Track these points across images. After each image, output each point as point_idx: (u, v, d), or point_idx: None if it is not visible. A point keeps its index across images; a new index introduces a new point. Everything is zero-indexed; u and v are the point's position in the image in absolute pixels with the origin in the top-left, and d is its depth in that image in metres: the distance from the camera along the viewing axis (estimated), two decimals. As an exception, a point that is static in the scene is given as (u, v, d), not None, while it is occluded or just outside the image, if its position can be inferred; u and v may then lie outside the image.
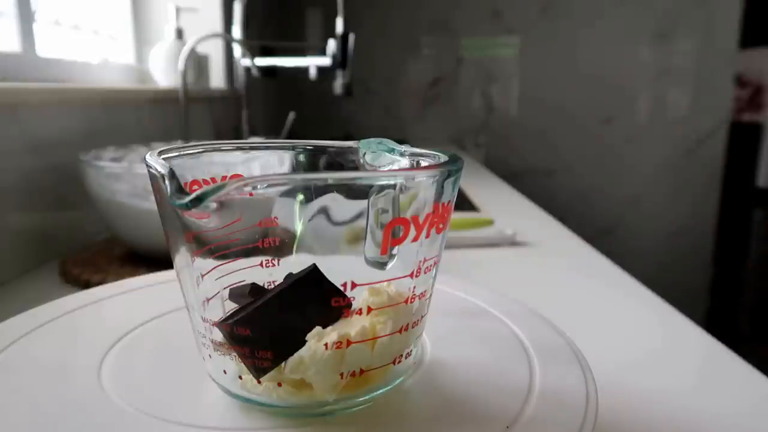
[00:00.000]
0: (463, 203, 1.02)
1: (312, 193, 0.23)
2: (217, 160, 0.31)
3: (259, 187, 0.21)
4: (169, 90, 1.02)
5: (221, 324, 0.24)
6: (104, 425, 0.24)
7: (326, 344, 0.23)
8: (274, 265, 0.26)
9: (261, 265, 0.26)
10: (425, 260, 0.25)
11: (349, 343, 0.23)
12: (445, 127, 2.20)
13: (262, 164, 0.34)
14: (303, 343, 0.23)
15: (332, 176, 0.23)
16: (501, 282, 0.61)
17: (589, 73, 2.07)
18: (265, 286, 0.26)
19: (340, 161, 0.32)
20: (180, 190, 0.22)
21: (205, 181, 0.27)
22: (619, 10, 2.05)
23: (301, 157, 0.33)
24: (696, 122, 2.08)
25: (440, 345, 0.31)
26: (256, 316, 0.24)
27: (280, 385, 0.24)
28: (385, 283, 0.25)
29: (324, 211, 0.24)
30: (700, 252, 2.14)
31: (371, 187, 0.24)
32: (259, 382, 0.24)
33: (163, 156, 0.26)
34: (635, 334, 0.50)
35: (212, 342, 0.25)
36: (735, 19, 2.02)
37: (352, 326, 0.24)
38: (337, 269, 0.24)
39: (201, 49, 1.15)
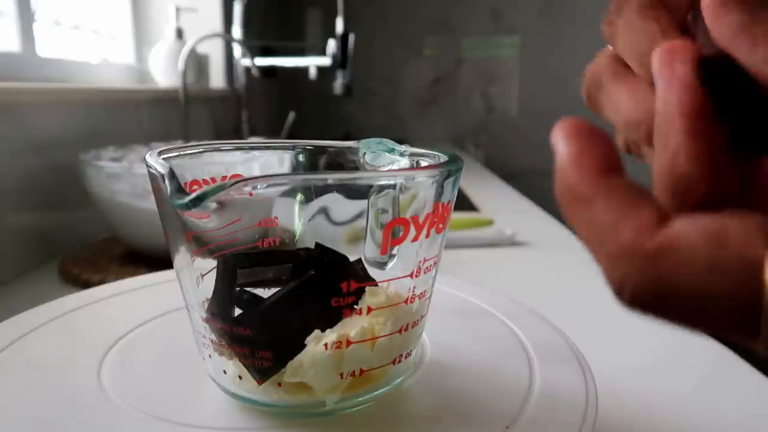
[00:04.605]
0: (463, 203, 1.02)
1: (312, 193, 0.23)
2: (217, 160, 0.31)
3: (259, 187, 0.21)
4: (169, 90, 1.02)
5: (221, 324, 0.24)
6: (104, 425, 0.24)
7: (326, 344, 0.23)
8: (274, 265, 0.26)
9: (261, 265, 0.26)
10: (425, 260, 0.25)
11: (348, 343, 0.23)
12: (445, 127, 2.20)
13: (262, 164, 0.34)
14: (303, 345, 0.23)
15: (332, 176, 0.23)
16: (501, 282, 0.61)
17: (589, 74, 2.07)
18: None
19: (340, 161, 0.32)
20: (180, 190, 0.21)
21: (205, 181, 0.27)
22: (619, 10, 2.05)
23: (301, 157, 0.33)
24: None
25: (440, 345, 0.31)
26: (256, 317, 0.24)
27: (280, 385, 0.24)
28: (385, 284, 0.25)
29: (324, 211, 0.24)
30: (700, 252, 2.13)
31: (371, 187, 0.24)
32: (260, 383, 0.24)
33: (163, 156, 0.26)
34: (635, 334, 0.50)
35: (212, 342, 0.25)
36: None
37: (351, 326, 0.24)
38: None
39: (201, 49, 1.15)
